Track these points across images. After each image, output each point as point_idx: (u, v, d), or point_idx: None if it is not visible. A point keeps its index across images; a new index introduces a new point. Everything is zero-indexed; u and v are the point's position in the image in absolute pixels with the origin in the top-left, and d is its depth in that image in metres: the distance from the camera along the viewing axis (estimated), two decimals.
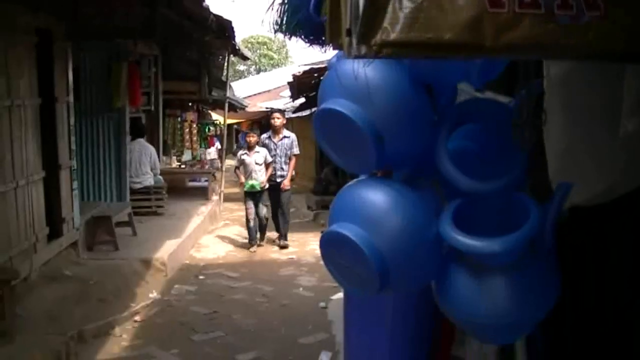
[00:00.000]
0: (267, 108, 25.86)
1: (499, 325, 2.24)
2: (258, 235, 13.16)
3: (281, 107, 23.60)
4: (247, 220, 12.85)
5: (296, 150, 13.20)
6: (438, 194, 2.40)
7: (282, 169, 12.94)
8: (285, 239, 13.27)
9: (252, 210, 12.68)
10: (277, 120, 13.09)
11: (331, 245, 2.36)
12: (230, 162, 20.38)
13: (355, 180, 2.51)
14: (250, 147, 12.71)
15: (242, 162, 12.68)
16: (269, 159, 12.65)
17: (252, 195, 12.67)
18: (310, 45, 5.47)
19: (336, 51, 2.44)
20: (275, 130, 13.13)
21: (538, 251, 2.20)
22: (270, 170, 12.70)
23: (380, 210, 2.26)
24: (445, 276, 2.32)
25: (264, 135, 13.44)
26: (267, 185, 12.71)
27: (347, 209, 2.35)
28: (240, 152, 13.19)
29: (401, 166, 2.51)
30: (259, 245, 12.99)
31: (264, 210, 12.92)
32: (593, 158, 2.43)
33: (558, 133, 2.26)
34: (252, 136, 12.93)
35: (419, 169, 2.46)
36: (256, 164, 12.51)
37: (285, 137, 13.09)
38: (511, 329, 2.30)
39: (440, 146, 2.26)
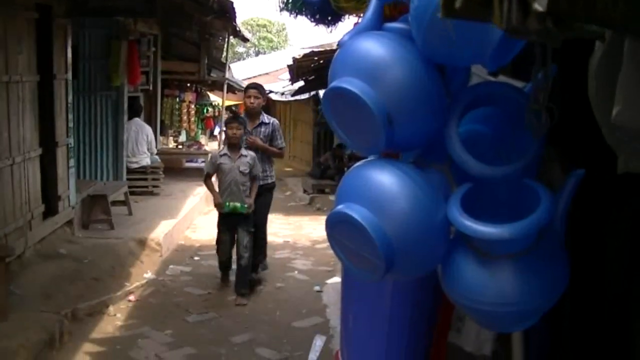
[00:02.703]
0: (266, 90, 25.76)
1: (506, 312, 2.20)
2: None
3: (279, 89, 23.46)
4: (221, 256, 8.72)
5: (281, 143, 9.01)
6: (448, 178, 2.36)
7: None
8: (265, 267, 9.42)
9: (227, 241, 8.47)
10: (255, 100, 8.78)
11: (337, 226, 2.33)
12: None
13: (363, 160, 2.47)
14: (232, 146, 8.24)
15: (217, 168, 8.29)
16: (258, 170, 8.33)
17: (231, 220, 8.31)
18: (316, 24, 5.45)
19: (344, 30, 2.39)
20: (251, 114, 8.88)
21: (547, 239, 2.16)
22: (256, 186, 8.36)
23: (388, 192, 2.22)
24: (452, 261, 2.29)
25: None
26: (253, 207, 8.29)
27: (355, 190, 2.31)
28: (217, 152, 8.80)
29: (411, 148, 2.47)
30: (238, 304, 8.17)
31: (246, 240, 8.26)
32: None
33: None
34: (237, 129, 8.15)
35: (430, 152, 2.42)
36: (240, 172, 8.12)
37: (263, 123, 8.76)
38: (518, 317, 2.26)
39: (451, 129, 2.22)
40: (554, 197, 2.14)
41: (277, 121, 9.31)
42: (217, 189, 8.43)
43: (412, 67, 2.17)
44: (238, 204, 8.12)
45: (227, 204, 8.13)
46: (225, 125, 8.36)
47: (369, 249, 2.21)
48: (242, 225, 8.25)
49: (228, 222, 8.33)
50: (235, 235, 8.35)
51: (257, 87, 9.17)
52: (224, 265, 8.78)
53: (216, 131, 21.80)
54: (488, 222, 2.09)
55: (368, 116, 2.17)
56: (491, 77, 2.61)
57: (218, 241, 8.67)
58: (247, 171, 8.15)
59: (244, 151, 8.24)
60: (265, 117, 9.00)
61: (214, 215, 10.20)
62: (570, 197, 2.17)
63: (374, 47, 2.22)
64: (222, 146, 8.86)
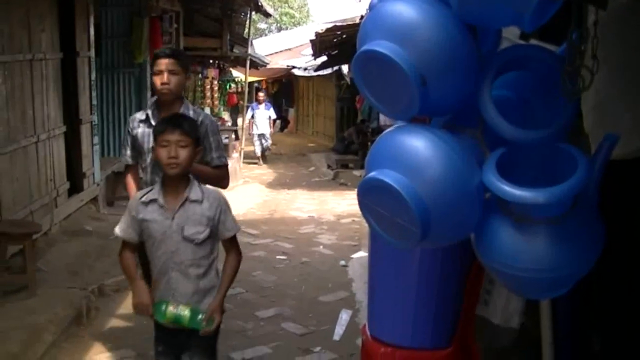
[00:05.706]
0: (288, 66, 25.68)
1: (540, 279, 2.17)
2: None
3: (302, 65, 23.34)
4: None
5: (217, 158, 4.84)
6: (480, 143, 2.31)
7: None
8: None
9: None
10: (170, 78, 4.68)
11: (370, 193, 2.29)
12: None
13: (395, 126, 2.42)
14: (168, 182, 3.83)
15: (141, 230, 3.84)
16: (230, 227, 3.97)
17: (174, 337, 3.93)
18: None
19: None
20: (164, 102, 4.81)
21: (582, 204, 2.12)
22: (232, 268, 4.04)
23: (422, 157, 2.18)
24: (486, 227, 2.26)
25: (137, 115, 5.01)
26: (218, 320, 3.83)
27: (387, 156, 2.27)
28: (138, 195, 3.96)
29: (443, 112, 2.42)
30: None
31: None
32: (631, 111, 2.35)
33: (596, 84, 2.15)
34: (178, 144, 3.68)
35: (460, 116, 2.38)
36: (185, 240, 3.77)
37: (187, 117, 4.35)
38: (552, 284, 2.22)
39: (484, 92, 2.18)
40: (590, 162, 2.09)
41: (212, 118, 5.19)
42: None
43: (444, 28, 2.13)
44: (186, 312, 3.76)
45: (162, 307, 3.79)
46: (155, 137, 3.84)
47: (404, 216, 2.17)
48: (192, 351, 3.94)
49: (167, 338, 4.00)
50: None
51: (174, 54, 4.87)
52: None
53: (248, 115, 20.20)
54: (523, 187, 2.04)
55: (401, 79, 2.12)
56: (521, 41, 2.56)
57: None
58: (202, 236, 3.81)
59: (193, 191, 3.83)
60: (191, 109, 4.90)
61: (238, 191, 9.94)
62: (604, 161, 2.12)
63: (405, 9, 2.17)
64: (151, 181, 4.69)
